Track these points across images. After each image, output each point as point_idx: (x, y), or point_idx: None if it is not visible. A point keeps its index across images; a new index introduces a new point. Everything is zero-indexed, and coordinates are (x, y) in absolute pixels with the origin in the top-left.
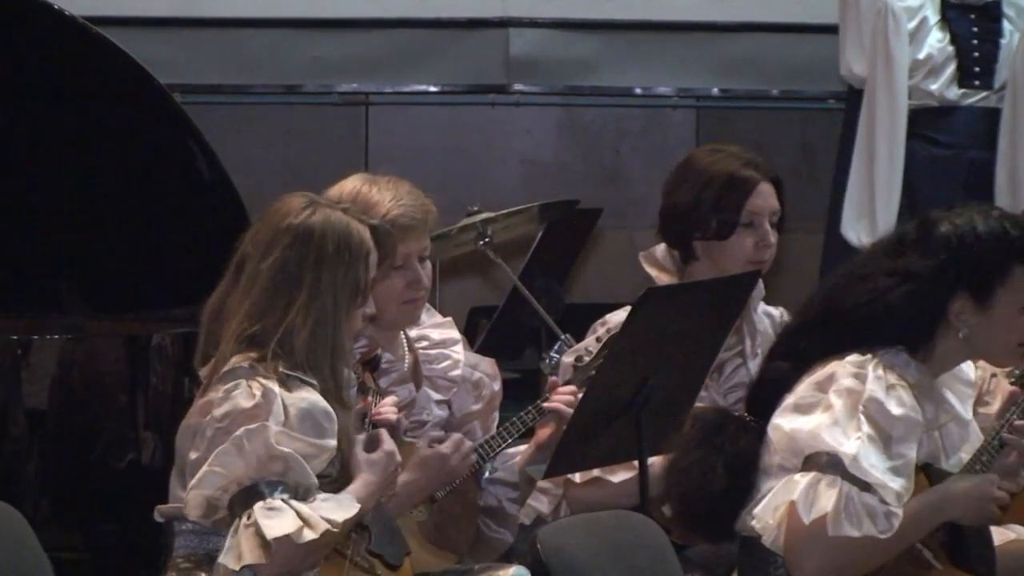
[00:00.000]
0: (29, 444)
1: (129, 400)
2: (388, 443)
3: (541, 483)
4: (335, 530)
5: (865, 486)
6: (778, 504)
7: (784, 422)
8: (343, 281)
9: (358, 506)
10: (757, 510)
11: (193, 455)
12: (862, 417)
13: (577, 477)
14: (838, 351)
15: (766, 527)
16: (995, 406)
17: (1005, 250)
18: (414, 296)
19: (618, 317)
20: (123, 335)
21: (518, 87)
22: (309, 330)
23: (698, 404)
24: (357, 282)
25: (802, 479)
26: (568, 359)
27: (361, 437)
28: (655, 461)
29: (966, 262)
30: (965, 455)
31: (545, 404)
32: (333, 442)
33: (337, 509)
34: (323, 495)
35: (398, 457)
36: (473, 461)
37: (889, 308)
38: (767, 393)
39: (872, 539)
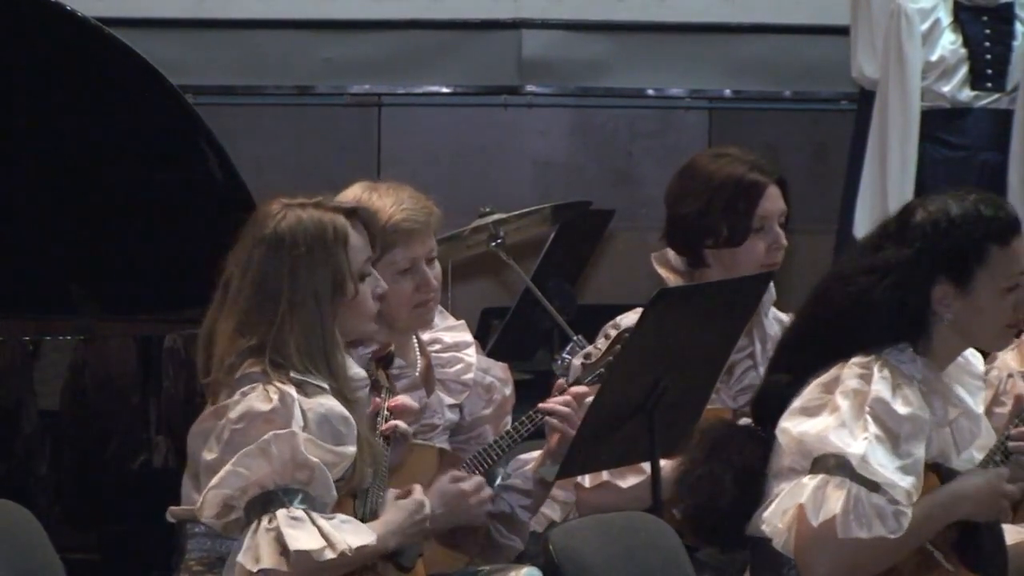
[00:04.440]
0: (41, 445)
1: (141, 401)
2: (419, 492)
3: (553, 491)
4: (349, 555)
5: (874, 486)
6: (787, 508)
7: (791, 425)
8: (323, 278)
9: (373, 538)
10: (766, 514)
11: (208, 456)
12: (869, 417)
13: (586, 481)
14: (837, 358)
15: (776, 531)
16: (1010, 406)
17: (980, 231)
18: (425, 299)
19: (629, 320)
20: (135, 336)
21: (530, 88)
22: (298, 336)
23: (708, 406)
24: (339, 273)
25: (810, 482)
26: (578, 362)
27: (394, 491)
28: (666, 465)
29: (941, 247)
30: (976, 451)
31: (541, 405)
32: (352, 448)
33: (354, 534)
34: (343, 517)
35: (427, 508)
36: (489, 509)
37: (874, 306)
38: (771, 404)
39: (882, 540)
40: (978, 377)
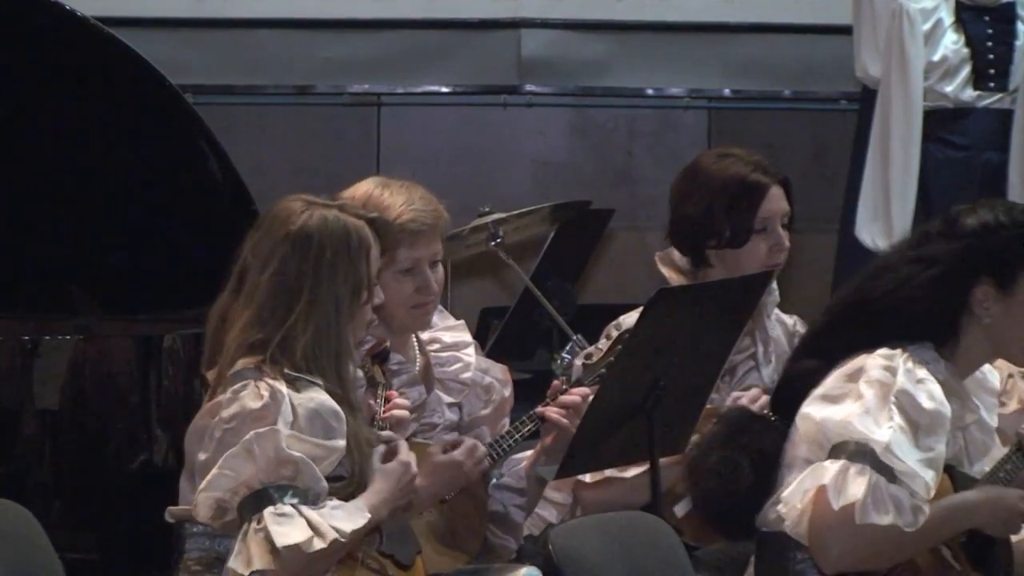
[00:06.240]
0: (41, 444)
1: (141, 400)
2: (404, 454)
3: (549, 494)
4: (343, 540)
5: (893, 476)
6: (807, 488)
7: (814, 411)
8: (344, 283)
9: (368, 516)
10: (786, 494)
11: (202, 456)
12: (893, 408)
13: (588, 477)
14: (866, 346)
15: (792, 510)
16: (1011, 407)
17: None
18: (423, 301)
19: (631, 319)
20: (134, 335)
21: (530, 88)
22: (310, 336)
23: (709, 406)
24: (359, 281)
25: (832, 466)
26: (579, 362)
27: (380, 449)
28: (665, 462)
29: (990, 247)
30: (988, 464)
31: (540, 409)
32: (342, 442)
33: (347, 518)
34: (334, 502)
35: (414, 468)
36: (486, 465)
37: (914, 295)
38: (793, 391)
39: (897, 531)
40: (993, 394)
